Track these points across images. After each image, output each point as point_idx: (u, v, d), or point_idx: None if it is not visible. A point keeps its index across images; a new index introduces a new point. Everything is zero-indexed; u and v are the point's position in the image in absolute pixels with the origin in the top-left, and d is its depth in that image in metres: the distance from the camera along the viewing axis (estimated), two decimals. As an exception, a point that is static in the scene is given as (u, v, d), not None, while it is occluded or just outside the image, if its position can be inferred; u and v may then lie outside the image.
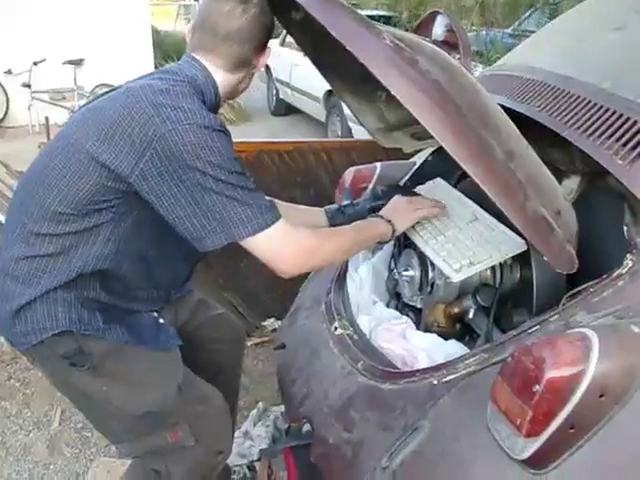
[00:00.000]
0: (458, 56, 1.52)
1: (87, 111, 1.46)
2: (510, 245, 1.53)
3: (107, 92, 1.50)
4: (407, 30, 1.46)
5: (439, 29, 1.65)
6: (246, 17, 1.42)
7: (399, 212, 1.66)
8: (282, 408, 2.49)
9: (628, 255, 1.27)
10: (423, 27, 1.69)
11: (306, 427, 1.67)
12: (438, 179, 1.88)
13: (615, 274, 1.25)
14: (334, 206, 1.86)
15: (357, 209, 1.82)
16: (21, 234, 1.43)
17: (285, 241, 1.38)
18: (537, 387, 1.06)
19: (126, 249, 1.44)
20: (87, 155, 1.35)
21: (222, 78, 1.48)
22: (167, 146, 1.28)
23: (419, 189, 1.87)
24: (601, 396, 1.06)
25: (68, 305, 1.42)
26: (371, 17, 1.26)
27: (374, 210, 1.76)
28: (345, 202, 1.87)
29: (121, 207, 1.39)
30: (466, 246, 1.58)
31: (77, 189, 1.36)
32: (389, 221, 1.62)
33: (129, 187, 1.34)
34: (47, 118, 3.29)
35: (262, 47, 1.49)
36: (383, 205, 1.72)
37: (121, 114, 1.33)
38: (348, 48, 1.14)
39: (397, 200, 1.70)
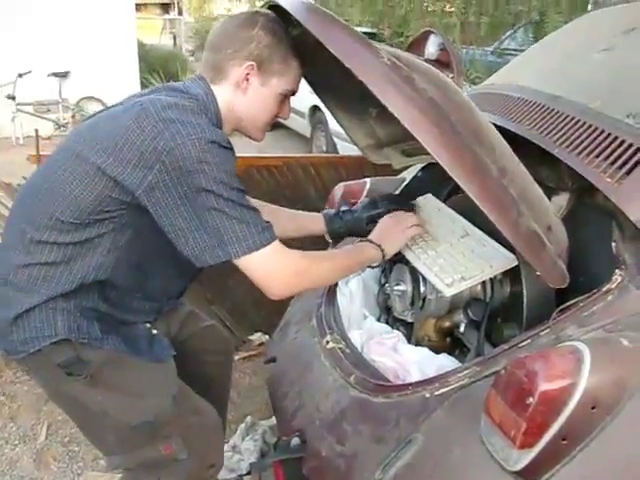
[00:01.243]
0: (451, 75, 1.55)
1: (94, 123, 1.48)
2: (501, 260, 1.55)
3: (111, 107, 1.52)
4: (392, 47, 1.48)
5: (432, 48, 1.68)
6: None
7: (388, 235, 1.67)
8: (270, 422, 2.49)
9: (617, 270, 1.30)
10: (416, 46, 1.72)
11: (295, 440, 1.68)
12: (429, 195, 1.90)
13: (604, 289, 1.28)
14: (332, 211, 1.88)
15: (355, 216, 1.83)
16: (22, 242, 1.43)
17: (277, 262, 1.40)
18: (530, 399, 1.08)
19: (124, 259, 1.46)
20: (93, 166, 1.37)
21: (222, 96, 1.49)
22: (175, 160, 1.30)
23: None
24: (593, 408, 1.08)
25: (67, 314, 1.43)
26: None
27: (371, 219, 1.78)
28: (344, 208, 1.88)
29: (123, 218, 1.40)
30: (458, 261, 1.60)
31: (81, 199, 1.38)
32: (379, 245, 1.63)
33: (133, 199, 1.36)
34: (37, 130, 3.30)
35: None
36: (380, 214, 1.74)
37: (130, 127, 1.34)
38: (347, 65, 1.17)
39: (385, 222, 1.71)
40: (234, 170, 1.35)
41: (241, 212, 1.34)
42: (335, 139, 6.60)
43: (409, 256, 1.69)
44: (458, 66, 1.60)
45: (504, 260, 1.55)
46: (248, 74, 1.48)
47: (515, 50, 7.47)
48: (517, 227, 1.22)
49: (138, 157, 1.33)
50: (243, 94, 1.50)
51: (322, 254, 1.59)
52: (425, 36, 1.71)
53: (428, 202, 1.89)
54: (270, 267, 1.39)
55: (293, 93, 1.57)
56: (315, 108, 7.01)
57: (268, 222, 1.39)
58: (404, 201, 1.86)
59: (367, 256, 1.63)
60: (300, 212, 1.89)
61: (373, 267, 1.75)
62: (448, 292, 1.54)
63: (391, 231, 1.69)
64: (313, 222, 1.85)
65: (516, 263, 1.52)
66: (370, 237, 1.67)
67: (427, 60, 1.60)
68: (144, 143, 1.32)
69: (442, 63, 1.62)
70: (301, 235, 1.81)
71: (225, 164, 1.33)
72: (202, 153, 1.30)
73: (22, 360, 1.49)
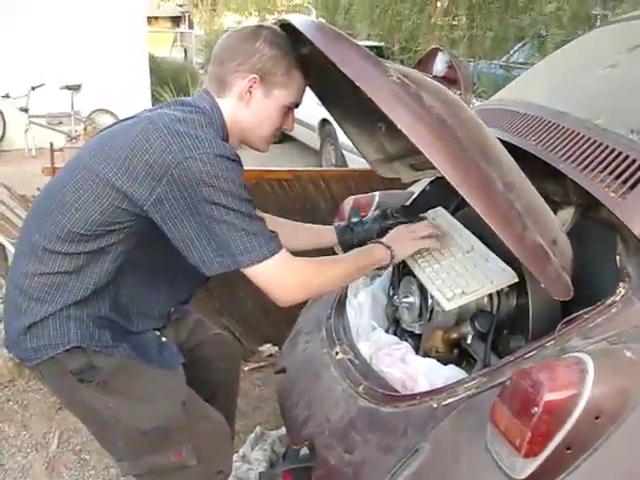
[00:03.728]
0: (459, 91, 1.59)
1: (105, 136, 1.51)
2: (502, 276, 1.57)
3: (122, 120, 1.56)
4: (402, 62, 1.51)
5: (440, 65, 1.71)
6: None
7: (400, 239, 1.69)
8: (279, 432, 2.51)
9: (620, 283, 1.32)
10: (424, 63, 1.75)
11: (304, 450, 1.70)
12: (439, 208, 1.92)
13: (608, 301, 1.30)
14: (343, 223, 1.91)
15: (366, 228, 1.86)
16: (34, 252, 1.47)
17: (285, 271, 1.43)
18: (535, 409, 1.11)
19: (133, 264, 1.50)
20: (103, 180, 1.40)
21: (227, 109, 1.53)
22: (184, 173, 1.33)
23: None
24: (597, 418, 1.11)
25: (80, 322, 1.46)
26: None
27: (382, 230, 1.81)
28: (354, 220, 1.91)
29: (133, 227, 1.44)
30: (460, 276, 1.62)
31: (91, 211, 1.41)
32: (389, 247, 1.65)
33: (142, 211, 1.40)
34: (52, 143, 3.36)
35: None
36: (392, 226, 1.77)
37: (139, 141, 1.38)
38: (356, 83, 1.21)
39: (400, 228, 1.74)
40: (242, 182, 1.38)
41: (249, 223, 1.37)
42: (344, 152, 6.64)
43: (414, 268, 1.72)
44: (465, 83, 1.63)
45: (505, 276, 1.57)
46: (251, 86, 1.50)
47: (523, 64, 7.50)
48: (522, 241, 1.25)
49: (146, 170, 1.36)
50: (246, 106, 1.53)
51: (329, 259, 1.61)
52: (433, 53, 1.75)
53: (438, 215, 1.92)
54: (276, 276, 1.42)
55: (297, 105, 1.60)
56: (325, 121, 7.06)
57: (274, 232, 1.43)
58: (415, 213, 1.88)
59: (376, 257, 1.64)
60: (311, 225, 1.92)
61: (384, 267, 1.75)
62: (448, 306, 1.56)
63: (404, 235, 1.71)
64: (324, 234, 1.89)
65: (516, 279, 1.54)
66: (383, 239, 1.69)
67: (435, 77, 1.63)
68: (152, 156, 1.36)
69: (450, 80, 1.66)
70: (313, 247, 1.84)
71: (233, 177, 1.36)
72: (210, 167, 1.33)
73: (35, 367, 1.52)
